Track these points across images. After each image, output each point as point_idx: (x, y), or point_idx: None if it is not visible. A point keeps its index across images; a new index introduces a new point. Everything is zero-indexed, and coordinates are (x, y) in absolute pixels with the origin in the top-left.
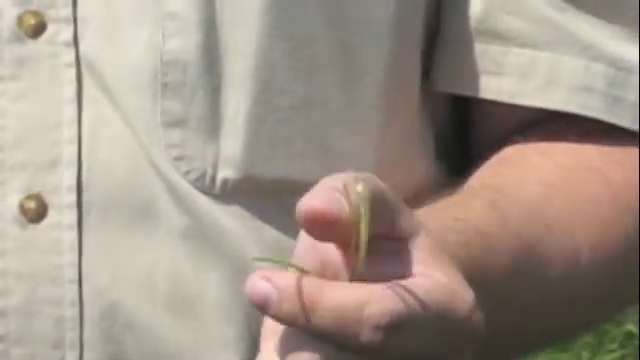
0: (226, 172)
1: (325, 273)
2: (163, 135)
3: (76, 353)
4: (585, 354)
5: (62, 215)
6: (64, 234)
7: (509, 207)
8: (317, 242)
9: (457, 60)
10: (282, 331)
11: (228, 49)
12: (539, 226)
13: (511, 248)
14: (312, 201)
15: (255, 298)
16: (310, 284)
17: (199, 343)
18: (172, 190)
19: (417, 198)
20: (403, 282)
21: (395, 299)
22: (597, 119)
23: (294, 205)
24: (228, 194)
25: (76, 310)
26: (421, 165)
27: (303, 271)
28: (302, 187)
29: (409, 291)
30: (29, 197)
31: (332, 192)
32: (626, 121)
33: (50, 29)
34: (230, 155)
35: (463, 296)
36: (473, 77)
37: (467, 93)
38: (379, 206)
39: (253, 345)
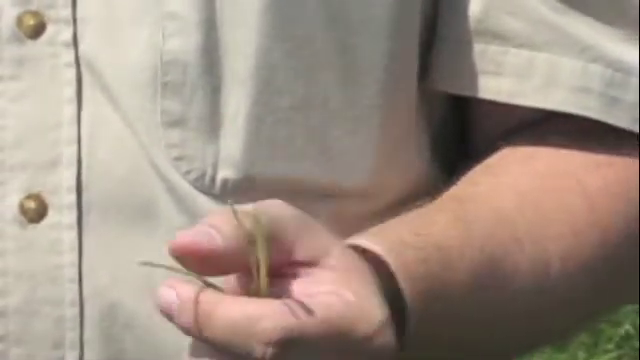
0: (226, 172)
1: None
2: (163, 135)
3: (76, 353)
4: (581, 354)
5: (62, 215)
6: (64, 234)
7: (476, 221)
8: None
9: (456, 60)
10: (192, 340)
11: (228, 49)
12: (507, 239)
13: (474, 263)
14: (180, 237)
15: (160, 306)
16: (208, 297)
17: None
18: (172, 190)
19: (414, 197)
20: (300, 299)
21: (288, 315)
22: (595, 120)
23: (294, 205)
24: (228, 194)
25: (76, 310)
26: (418, 164)
27: (206, 283)
28: (302, 187)
29: (305, 308)
30: (29, 197)
31: (203, 227)
32: (624, 122)
33: (50, 29)
34: (230, 155)
35: (369, 315)
36: (472, 77)
37: (466, 93)
38: (282, 232)
39: None
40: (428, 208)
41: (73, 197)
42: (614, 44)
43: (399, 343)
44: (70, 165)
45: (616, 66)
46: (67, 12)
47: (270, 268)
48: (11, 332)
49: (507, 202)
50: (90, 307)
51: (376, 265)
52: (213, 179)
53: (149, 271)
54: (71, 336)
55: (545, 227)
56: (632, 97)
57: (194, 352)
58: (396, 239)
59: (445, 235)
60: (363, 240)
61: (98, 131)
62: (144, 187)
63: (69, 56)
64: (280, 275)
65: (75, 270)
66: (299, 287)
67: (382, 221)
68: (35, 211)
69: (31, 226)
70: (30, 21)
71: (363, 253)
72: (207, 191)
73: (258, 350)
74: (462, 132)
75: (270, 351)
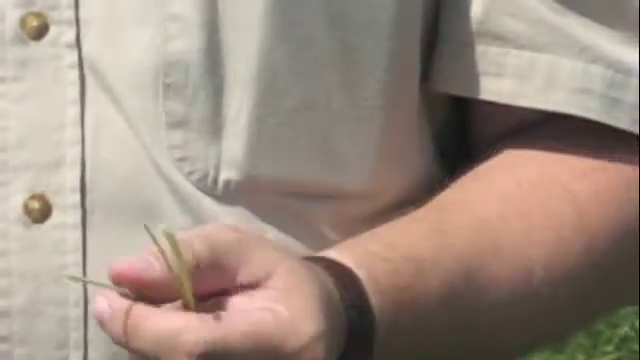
0: (228, 173)
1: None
2: (165, 136)
3: (80, 353)
4: (580, 356)
5: (66, 215)
6: (68, 234)
7: (454, 230)
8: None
9: (457, 61)
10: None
11: (230, 50)
12: (487, 248)
13: (448, 274)
14: (118, 264)
15: (94, 315)
16: (137, 309)
17: None
18: (175, 191)
19: (415, 198)
20: (231, 313)
21: (211, 328)
22: (595, 121)
23: (296, 206)
24: (230, 195)
25: (80, 310)
26: (420, 165)
27: (140, 297)
28: (303, 188)
29: (229, 322)
30: (33, 197)
31: (145, 255)
32: (624, 123)
33: (53, 31)
34: (232, 156)
35: (299, 331)
36: (473, 78)
37: (467, 94)
38: (224, 259)
39: None
40: (406, 218)
41: (77, 197)
42: (613, 45)
43: (370, 355)
44: (74, 166)
45: (616, 67)
46: (70, 13)
47: (211, 291)
48: (15, 332)
49: (490, 209)
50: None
51: (346, 278)
52: (215, 180)
53: None
54: (75, 336)
55: (529, 233)
56: (632, 98)
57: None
58: (367, 252)
59: (418, 246)
60: (334, 253)
61: (101, 132)
62: (147, 188)
63: (72, 57)
64: (222, 294)
65: (79, 270)
66: (236, 303)
67: (383, 222)
68: (39, 211)
69: (35, 226)
70: (33, 22)
71: (333, 266)
72: (210, 192)
73: None
74: (463, 133)
75: None
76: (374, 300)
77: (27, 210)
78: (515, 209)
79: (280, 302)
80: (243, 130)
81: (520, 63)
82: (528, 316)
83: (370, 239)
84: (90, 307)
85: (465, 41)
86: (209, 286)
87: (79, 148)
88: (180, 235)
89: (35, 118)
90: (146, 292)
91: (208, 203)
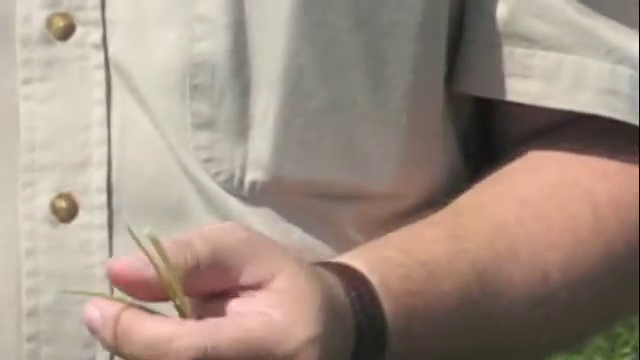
0: (254, 174)
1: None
2: (192, 137)
3: (107, 353)
4: (598, 358)
5: (92, 215)
6: (94, 234)
7: (470, 234)
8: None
9: (483, 63)
10: None
11: (257, 51)
12: (503, 252)
13: (463, 279)
14: (114, 263)
15: (85, 323)
16: (128, 315)
17: None
18: (201, 191)
19: (439, 199)
20: (218, 319)
21: (203, 334)
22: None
23: (321, 207)
24: (256, 196)
25: None
26: (444, 166)
27: (132, 303)
28: (328, 189)
29: (221, 328)
30: (60, 196)
31: (138, 254)
32: None
33: (79, 31)
34: (258, 157)
35: (292, 334)
36: (499, 79)
37: (493, 96)
38: (226, 259)
39: None
40: (422, 222)
41: (103, 197)
42: (636, 45)
43: None
44: (100, 166)
45: None
46: (96, 14)
47: (209, 291)
48: (42, 331)
49: (509, 213)
50: None
51: (357, 283)
52: (241, 181)
53: None
54: None
55: (547, 236)
56: None
57: None
58: (380, 257)
59: (433, 251)
60: (347, 258)
61: (128, 133)
62: (173, 188)
63: (98, 58)
64: (221, 295)
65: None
66: (232, 307)
67: (406, 223)
68: (66, 211)
69: (62, 225)
70: (59, 23)
71: (345, 271)
72: (236, 193)
73: None
74: (487, 133)
75: None
76: (387, 306)
77: (54, 209)
78: (534, 212)
79: (277, 306)
80: (269, 131)
81: (547, 64)
82: (545, 319)
83: (384, 244)
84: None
85: (491, 42)
86: (211, 286)
87: (105, 149)
88: (180, 236)
89: (61, 118)
90: (142, 293)
91: (234, 204)
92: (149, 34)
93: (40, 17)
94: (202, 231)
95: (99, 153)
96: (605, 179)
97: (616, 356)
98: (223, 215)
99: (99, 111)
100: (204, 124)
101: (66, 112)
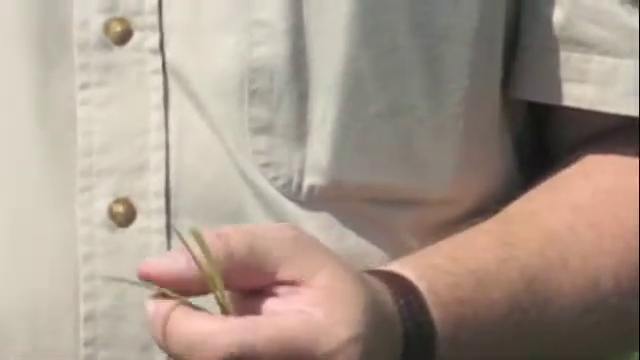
0: (312, 179)
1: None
2: (250, 142)
3: (164, 356)
4: None
5: (150, 220)
6: (152, 238)
7: (521, 242)
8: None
9: (539, 68)
10: None
11: (315, 56)
12: (554, 260)
13: (512, 286)
14: (148, 264)
15: (146, 318)
16: (176, 312)
17: None
18: (259, 196)
19: (494, 204)
20: (256, 317)
21: (245, 331)
22: None
23: (377, 212)
24: (314, 200)
25: None
26: (500, 171)
27: (183, 300)
28: (386, 193)
29: (261, 326)
30: (117, 201)
31: (176, 254)
32: None
33: (136, 36)
34: (317, 162)
35: (332, 334)
36: (555, 85)
37: (549, 101)
38: (263, 253)
39: None
40: (473, 230)
41: (162, 202)
42: None
43: None
44: (158, 170)
45: None
46: (153, 19)
47: (248, 286)
48: (99, 335)
49: (560, 220)
50: None
51: (405, 290)
52: (300, 186)
53: None
54: None
55: (598, 243)
56: None
57: None
58: (429, 265)
59: (482, 258)
60: (396, 266)
61: (185, 137)
62: (232, 192)
63: (156, 63)
64: (261, 292)
65: None
66: (271, 304)
67: (462, 229)
68: (124, 215)
69: (120, 230)
70: (117, 28)
71: (393, 278)
72: (294, 197)
73: None
74: (541, 139)
75: None
76: (435, 313)
77: (112, 214)
78: (586, 219)
79: (318, 304)
80: (327, 136)
81: (603, 69)
82: (596, 326)
83: (434, 252)
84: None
85: (548, 47)
86: (247, 282)
87: (163, 153)
88: (214, 230)
89: (119, 123)
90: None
91: (292, 208)
92: (206, 39)
93: (97, 22)
94: (242, 226)
95: (157, 158)
96: None
97: None
98: (280, 219)
99: (157, 116)
100: (262, 129)
101: (124, 117)
